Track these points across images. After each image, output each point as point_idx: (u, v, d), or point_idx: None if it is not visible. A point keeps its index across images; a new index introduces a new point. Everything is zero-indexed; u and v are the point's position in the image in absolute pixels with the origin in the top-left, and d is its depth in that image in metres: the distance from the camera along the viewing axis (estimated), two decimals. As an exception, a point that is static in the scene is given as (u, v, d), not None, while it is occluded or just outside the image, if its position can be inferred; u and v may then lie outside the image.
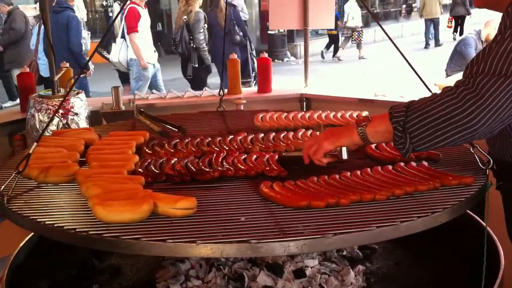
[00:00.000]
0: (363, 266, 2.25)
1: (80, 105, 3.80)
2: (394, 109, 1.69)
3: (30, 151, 1.92)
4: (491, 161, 1.85)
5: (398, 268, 2.27)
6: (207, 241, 1.44)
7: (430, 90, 2.14)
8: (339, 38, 16.87)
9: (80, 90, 3.97)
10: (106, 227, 1.56)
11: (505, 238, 2.02)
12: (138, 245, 1.47)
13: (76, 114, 3.76)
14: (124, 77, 8.42)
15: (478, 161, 1.90)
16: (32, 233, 2.52)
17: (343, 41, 17.00)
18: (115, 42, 7.92)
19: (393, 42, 2.41)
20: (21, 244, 2.41)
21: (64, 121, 3.73)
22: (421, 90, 2.27)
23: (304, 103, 4.25)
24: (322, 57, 16.55)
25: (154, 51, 8.16)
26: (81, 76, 8.40)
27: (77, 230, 1.56)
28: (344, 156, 1.88)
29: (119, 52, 7.87)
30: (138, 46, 7.68)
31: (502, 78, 1.54)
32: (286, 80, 10.14)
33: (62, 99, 3.73)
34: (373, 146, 2.10)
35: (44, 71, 7.61)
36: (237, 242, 1.43)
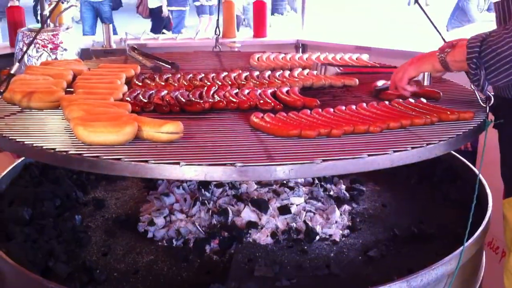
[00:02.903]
0: (349, 206, 2.23)
1: (70, 40, 3.72)
2: (470, 42, 1.67)
3: (12, 71, 1.85)
4: (492, 99, 1.81)
5: (385, 210, 2.25)
6: (191, 163, 1.39)
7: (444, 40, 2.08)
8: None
9: (71, 25, 3.87)
10: (88, 147, 1.51)
11: (493, 181, 2.01)
12: (120, 165, 1.42)
13: (65, 49, 3.69)
14: None
15: (479, 98, 1.85)
16: (16, 163, 2.48)
17: None
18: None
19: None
20: (3, 173, 2.37)
21: (53, 57, 3.65)
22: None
23: (300, 49, 4.18)
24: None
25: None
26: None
27: (57, 149, 1.51)
28: (426, 81, 1.88)
29: None
30: None
31: None
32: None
33: (51, 33, 3.66)
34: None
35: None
36: (222, 165, 1.38)
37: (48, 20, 3.76)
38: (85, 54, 3.88)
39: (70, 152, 1.49)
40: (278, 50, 3.91)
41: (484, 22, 7.66)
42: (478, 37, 1.67)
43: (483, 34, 1.68)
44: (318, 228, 2.03)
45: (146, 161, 1.41)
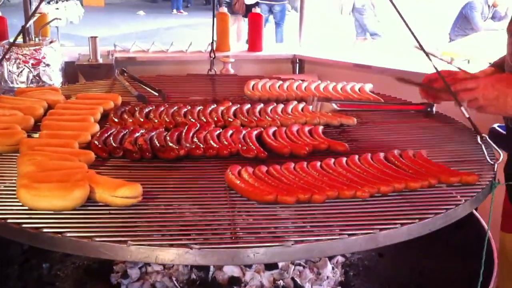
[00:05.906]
0: (343, 257, 2.01)
1: (53, 55, 3.51)
2: None
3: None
4: (501, 156, 1.58)
5: (381, 260, 2.03)
6: (141, 241, 1.19)
7: (429, 59, 1.82)
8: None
9: (54, 39, 3.66)
10: (30, 215, 1.31)
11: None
12: (60, 241, 1.23)
13: (48, 65, 3.48)
14: None
15: (486, 154, 1.61)
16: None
17: None
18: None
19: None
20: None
21: (35, 73, 3.45)
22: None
23: (297, 64, 3.96)
24: None
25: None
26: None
27: (-6, 216, 1.30)
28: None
29: None
30: None
31: None
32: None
33: (33, 48, 3.47)
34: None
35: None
36: (176, 246, 1.18)
37: (32, 34, 3.55)
38: (70, 68, 3.68)
39: (8, 221, 1.28)
40: (273, 65, 3.69)
41: (488, 30, 7.42)
42: None
43: None
44: (307, 286, 1.82)
45: (91, 238, 1.21)
